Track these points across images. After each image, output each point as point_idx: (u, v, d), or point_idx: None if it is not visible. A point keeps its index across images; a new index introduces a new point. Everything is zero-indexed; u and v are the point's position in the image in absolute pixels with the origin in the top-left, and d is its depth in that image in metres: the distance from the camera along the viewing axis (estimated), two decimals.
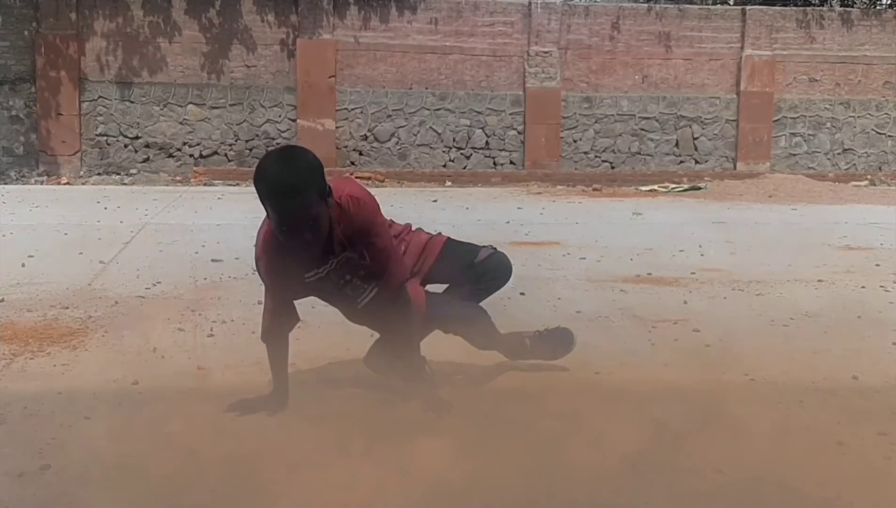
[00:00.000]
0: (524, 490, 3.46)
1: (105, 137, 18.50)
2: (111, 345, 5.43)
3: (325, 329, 5.53)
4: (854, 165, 20.57)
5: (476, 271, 4.78)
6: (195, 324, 5.95)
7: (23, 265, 7.94)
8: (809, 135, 20.47)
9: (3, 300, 6.54)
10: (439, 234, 4.89)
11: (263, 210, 4.04)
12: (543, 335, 5.10)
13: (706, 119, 20.16)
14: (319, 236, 4.07)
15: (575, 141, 19.82)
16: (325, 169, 4.03)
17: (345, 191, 4.16)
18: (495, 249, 4.92)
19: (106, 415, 4.17)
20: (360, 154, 19.16)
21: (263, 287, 4.36)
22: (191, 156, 18.72)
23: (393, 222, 4.75)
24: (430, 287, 4.71)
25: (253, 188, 4.04)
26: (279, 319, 4.36)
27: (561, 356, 5.07)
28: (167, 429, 4.02)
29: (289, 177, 3.89)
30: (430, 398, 4.24)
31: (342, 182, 4.23)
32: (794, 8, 20.65)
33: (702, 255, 9.10)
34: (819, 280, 7.82)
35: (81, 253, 8.68)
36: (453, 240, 4.88)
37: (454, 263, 4.76)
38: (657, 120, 20.03)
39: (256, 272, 4.36)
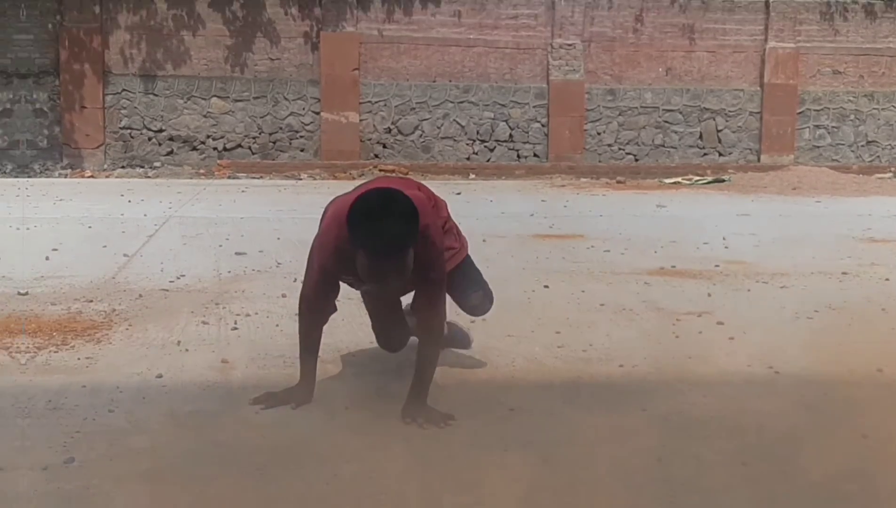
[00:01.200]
0: (548, 483, 3.46)
1: (129, 131, 18.54)
2: (135, 338, 5.45)
3: (349, 321, 5.54)
4: (878, 157, 20.46)
5: (461, 305, 4.75)
6: (219, 317, 5.97)
7: (47, 259, 7.96)
8: (833, 127, 20.36)
9: (27, 294, 6.57)
10: (461, 245, 4.79)
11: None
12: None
13: (730, 111, 20.08)
14: (403, 281, 4.04)
15: (599, 133, 19.77)
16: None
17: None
18: (486, 295, 4.78)
19: (130, 408, 4.19)
20: (384, 147, 19.16)
21: (307, 275, 4.35)
22: (214, 149, 18.75)
23: (436, 198, 4.70)
24: None
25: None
26: (319, 313, 4.36)
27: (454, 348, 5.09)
28: (191, 423, 4.03)
29: (396, 235, 3.84)
30: (430, 413, 4.14)
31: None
32: (818, 0, 20.55)
33: (726, 247, 9.07)
34: (843, 273, 7.79)
35: (105, 246, 8.71)
36: (468, 260, 4.78)
37: (453, 285, 4.64)
38: (681, 112, 19.96)
39: (309, 259, 4.35)
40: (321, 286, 4.27)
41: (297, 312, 4.42)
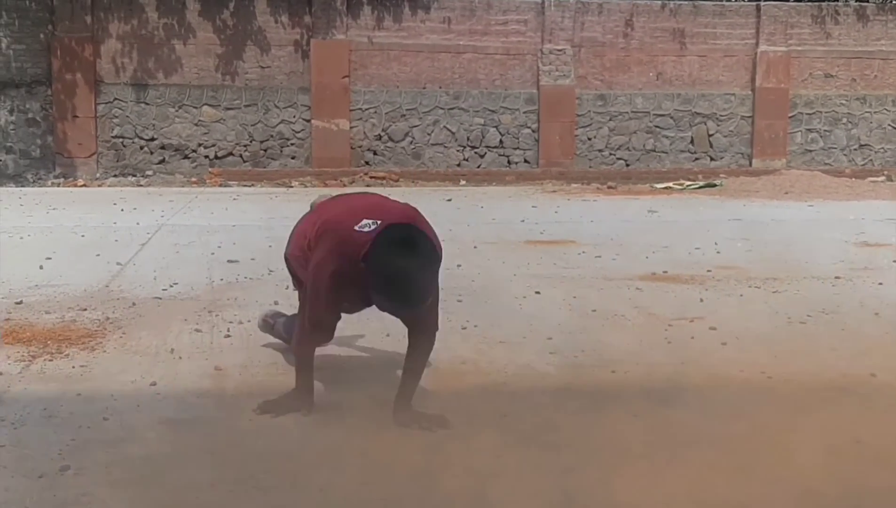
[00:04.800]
0: (540, 489, 3.47)
1: (121, 139, 18.54)
2: (129, 346, 5.45)
3: (339, 330, 5.54)
4: (871, 160, 20.51)
5: None
6: (212, 325, 5.97)
7: (41, 268, 7.96)
8: (825, 131, 20.41)
9: (21, 303, 6.57)
10: None
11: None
12: None
13: (721, 116, 20.12)
14: None
15: (589, 139, 19.80)
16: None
17: None
18: None
19: (124, 416, 4.19)
20: (375, 154, 19.17)
21: (314, 299, 4.23)
22: (206, 157, 18.75)
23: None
24: None
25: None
26: (322, 335, 4.35)
27: None
28: (185, 430, 4.04)
29: (425, 289, 3.95)
30: (421, 417, 4.19)
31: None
32: (809, 3, 20.59)
33: (718, 252, 9.09)
34: (836, 277, 7.81)
35: (98, 255, 8.70)
36: None
37: None
38: (672, 117, 19.99)
39: (313, 281, 4.25)
40: (332, 308, 4.24)
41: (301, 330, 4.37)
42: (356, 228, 4.09)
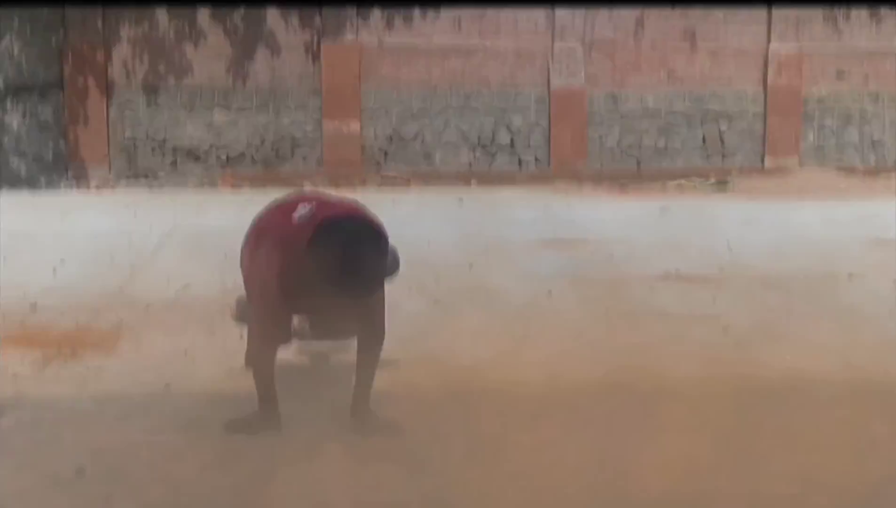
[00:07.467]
0: (555, 487, 3.47)
1: (133, 143, 18.56)
2: (143, 349, 5.47)
3: None
4: (884, 158, 20.43)
5: None
6: (225, 327, 5.98)
7: (54, 272, 7.98)
8: (838, 129, 20.35)
9: (36, 306, 6.58)
10: None
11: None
12: None
13: (733, 114, 20.05)
14: None
15: (601, 138, 19.77)
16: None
17: None
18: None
19: (139, 418, 4.21)
20: (386, 155, 19.17)
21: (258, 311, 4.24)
22: (218, 158, 18.78)
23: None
24: None
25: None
26: (276, 343, 4.27)
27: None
28: (200, 431, 4.05)
29: (377, 273, 3.97)
30: (374, 422, 4.23)
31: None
32: (821, 1, 20.52)
33: (731, 251, 9.07)
34: (850, 275, 7.79)
35: (112, 258, 8.72)
36: None
37: None
38: (683, 116, 19.94)
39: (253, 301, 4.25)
40: (279, 331, 4.21)
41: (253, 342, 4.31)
42: (294, 215, 4.13)
